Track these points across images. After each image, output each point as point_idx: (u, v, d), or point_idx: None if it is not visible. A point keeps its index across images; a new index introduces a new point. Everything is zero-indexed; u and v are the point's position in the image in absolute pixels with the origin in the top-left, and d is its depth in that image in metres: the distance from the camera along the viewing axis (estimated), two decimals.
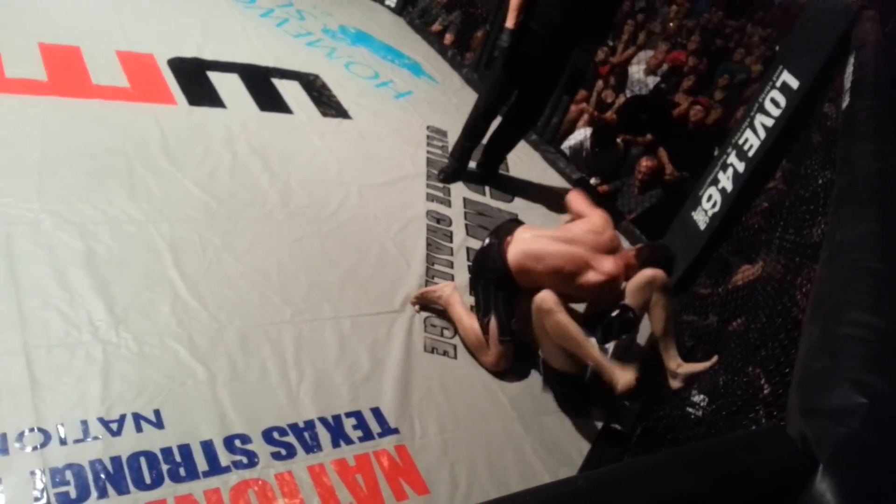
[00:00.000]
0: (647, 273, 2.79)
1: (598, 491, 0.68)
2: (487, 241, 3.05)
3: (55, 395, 2.12)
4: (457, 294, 3.05)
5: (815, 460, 0.73)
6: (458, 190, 4.13)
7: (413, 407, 2.59)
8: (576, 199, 3.22)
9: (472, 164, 4.31)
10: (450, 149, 4.38)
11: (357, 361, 2.68)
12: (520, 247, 2.87)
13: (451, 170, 4.19)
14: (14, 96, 3.37)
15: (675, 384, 2.73)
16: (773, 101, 3.37)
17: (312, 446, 2.28)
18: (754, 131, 3.43)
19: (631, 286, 2.81)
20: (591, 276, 2.80)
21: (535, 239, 2.90)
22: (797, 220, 2.56)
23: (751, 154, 3.42)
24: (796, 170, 2.99)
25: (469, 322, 2.94)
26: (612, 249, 2.89)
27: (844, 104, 1.63)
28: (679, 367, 2.71)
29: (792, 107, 3.26)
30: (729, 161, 3.56)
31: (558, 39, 3.82)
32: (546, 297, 2.69)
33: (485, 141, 4.30)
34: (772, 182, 3.49)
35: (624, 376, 2.58)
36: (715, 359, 2.66)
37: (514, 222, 3.23)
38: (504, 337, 2.85)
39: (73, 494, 1.89)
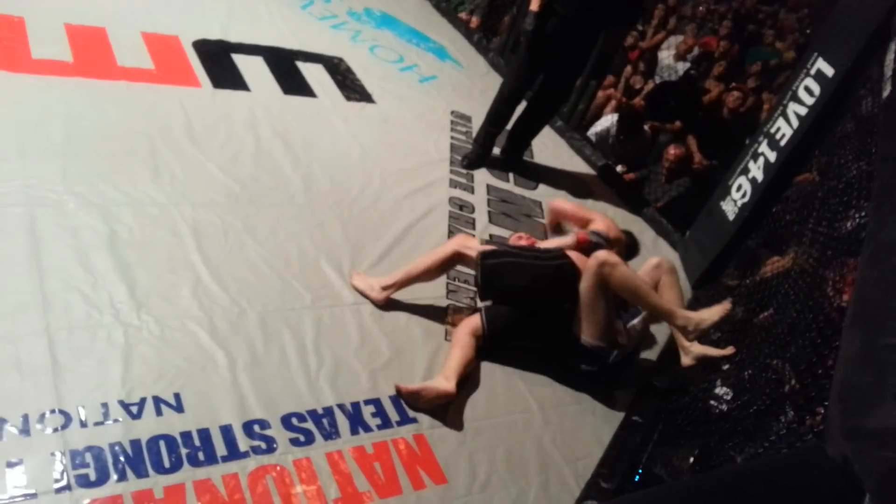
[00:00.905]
0: (653, 259, 3.04)
1: None
2: (556, 263, 2.84)
3: (76, 376, 2.13)
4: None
5: (859, 488, 0.67)
6: (482, 176, 4.08)
7: None
8: (565, 209, 3.30)
9: (497, 151, 4.26)
10: (474, 134, 4.33)
11: (377, 348, 2.67)
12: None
13: (474, 156, 4.15)
14: (40, 77, 3.38)
15: (686, 361, 2.75)
16: (807, 90, 3.28)
17: (331, 433, 2.28)
18: (787, 120, 3.35)
19: (640, 273, 2.94)
20: None
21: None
22: (830, 211, 2.48)
23: (783, 143, 3.34)
24: (830, 161, 2.91)
25: (421, 261, 2.90)
26: None
27: (886, 93, 1.55)
28: (692, 345, 2.74)
29: (826, 95, 3.16)
30: (760, 150, 3.48)
31: (584, 23, 3.74)
32: (608, 253, 2.75)
33: (509, 127, 4.24)
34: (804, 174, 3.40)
35: (712, 311, 2.70)
36: (731, 349, 2.70)
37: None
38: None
39: (92, 477, 1.89)
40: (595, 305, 2.74)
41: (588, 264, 2.75)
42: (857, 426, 0.74)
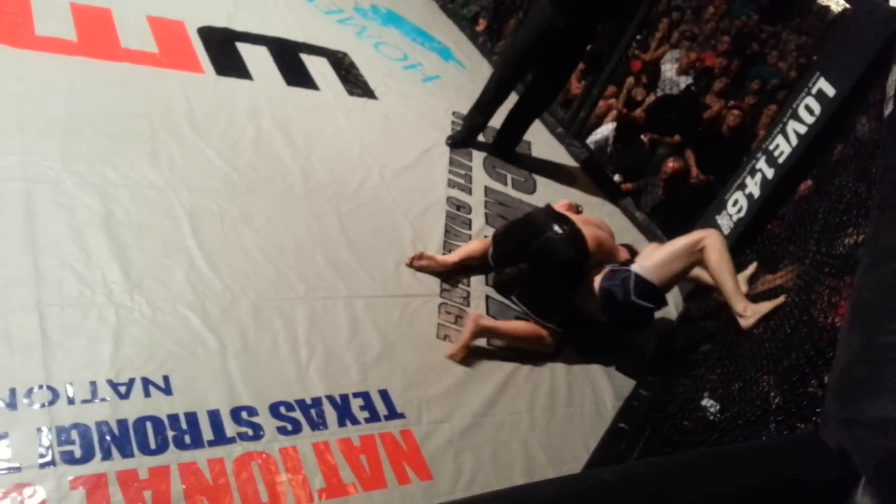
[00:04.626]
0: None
1: (625, 486, 0.65)
2: (559, 230, 3.01)
3: (66, 353, 2.11)
4: (485, 316, 2.99)
5: (855, 473, 0.69)
6: (480, 178, 4.09)
7: (421, 392, 2.56)
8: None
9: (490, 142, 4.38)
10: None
11: (368, 342, 2.66)
12: (592, 231, 3.10)
13: (459, 136, 4.26)
14: (43, 54, 3.36)
15: (746, 323, 2.78)
16: (808, 108, 3.30)
17: (318, 423, 2.27)
18: (786, 138, 3.37)
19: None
20: (623, 256, 3.23)
21: (588, 224, 3.16)
22: (830, 231, 2.50)
23: (781, 160, 3.36)
24: (830, 181, 2.94)
25: (521, 325, 2.97)
26: (614, 237, 3.37)
27: (888, 111, 1.57)
28: (746, 308, 2.81)
29: (827, 115, 3.19)
30: (758, 166, 3.50)
31: (580, 19, 3.84)
32: (717, 233, 3.00)
33: (499, 123, 4.35)
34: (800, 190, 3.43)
35: (771, 302, 2.80)
36: (783, 298, 2.76)
37: (552, 208, 3.29)
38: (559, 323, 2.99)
39: (77, 454, 1.88)
40: (676, 261, 2.93)
41: (696, 232, 3.00)
42: (854, 417, 0.76)
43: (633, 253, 3.41)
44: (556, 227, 3.02)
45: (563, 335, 3.01)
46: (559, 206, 3.40)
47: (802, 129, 3.29)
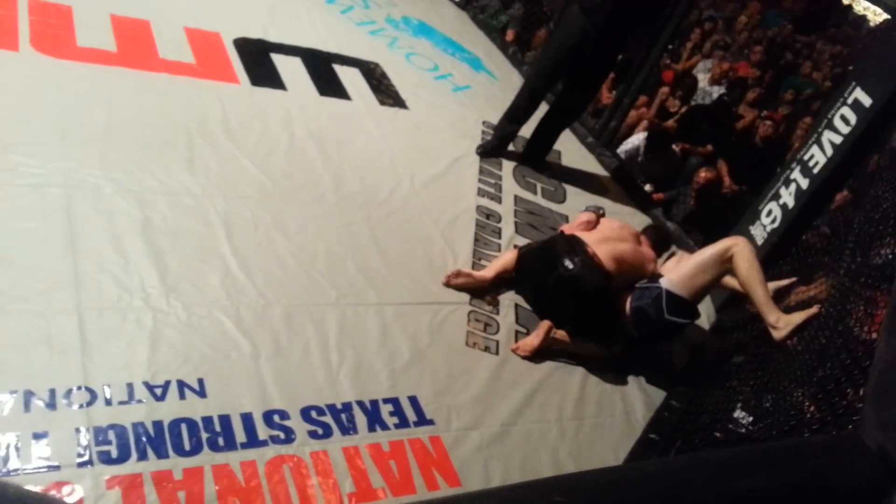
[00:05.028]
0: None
1: (668, 478, 0.66)
2: (570, 264, 3.00)
3: (104, 356, 2.16)
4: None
5: (895, 473, 0.68)
6: (510, 187, 4.10)
7: (450, 399, 2.58)
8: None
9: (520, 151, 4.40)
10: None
11: (398, 349, 2.68)
12: (610, 248, 3.06)
13: (489, 146, 4.29)
14: (84, 64, 3.46)
15: (779, 335, 2.76)
16: (843, 118, 3.26)
17: (349, 428, 2.29)
18: (821, 148, 3.33)
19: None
20: (649, 265, 3.18)
21: (607, 241, 3.12)
22: (864, 241, 2.47)
23: (816, 171, 3.32)
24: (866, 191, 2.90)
25: (584, 344, 3.03)
26: (637, 238, 3.33)
27: None
28: (779, 320, 2.77)
29: (863, 125, 3.15)
30: (792, 177, 3.46)
31: (611, 29, 3.85)
32: (744, 240, 2.98)
33: (529, 133, 4.36)
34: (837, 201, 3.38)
35: (803, 312, 2.77)
36: (816, 308, 2.73)
37: (565, 235, 3.24)
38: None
39: (114, 454, 1.92)
40: (705, 272, 2.92)
41: (724, 240, 2.99)
42: (892, 419, 0.75)
43: (656, 235, 3.47)
44: (567, 262, 3.01)
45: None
46: (577, 222, 3.35)
47: (838, 140, 3.25)
